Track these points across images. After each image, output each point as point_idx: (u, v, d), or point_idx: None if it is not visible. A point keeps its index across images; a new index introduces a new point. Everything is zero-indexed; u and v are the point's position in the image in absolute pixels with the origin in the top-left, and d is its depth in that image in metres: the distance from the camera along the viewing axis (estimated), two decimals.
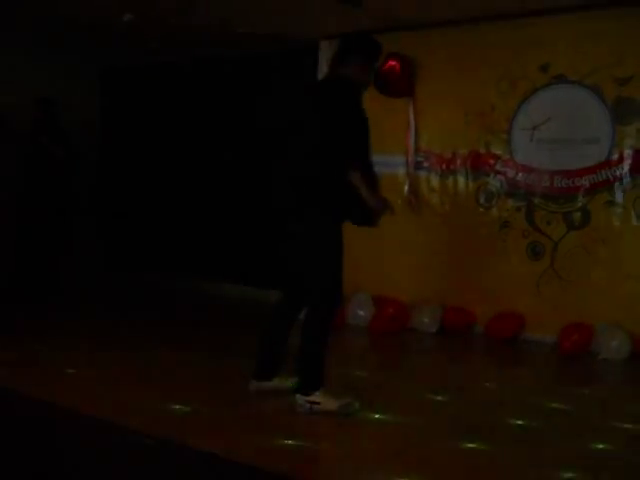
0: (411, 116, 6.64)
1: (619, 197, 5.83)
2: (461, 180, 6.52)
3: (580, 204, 5.98)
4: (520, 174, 6.26)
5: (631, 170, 5.77)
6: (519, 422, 3.79)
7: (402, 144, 6.71)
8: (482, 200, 6.42)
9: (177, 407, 3.70)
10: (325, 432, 3.60)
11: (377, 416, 3.75)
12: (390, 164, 6.70)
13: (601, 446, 3.46)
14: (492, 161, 6.37)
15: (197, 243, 8.46)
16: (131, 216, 9.10)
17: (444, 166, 6.56)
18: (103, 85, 9.35)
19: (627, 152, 5.80)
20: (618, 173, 5.84)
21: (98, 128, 9.31)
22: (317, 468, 3.14)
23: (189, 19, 6.76)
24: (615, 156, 5.84)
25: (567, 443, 3.49)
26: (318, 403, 3.65)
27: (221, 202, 8.26)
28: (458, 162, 6.51)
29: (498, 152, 6.35)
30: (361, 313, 6.31)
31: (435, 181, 6.62)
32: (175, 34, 7.39)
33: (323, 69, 7.28)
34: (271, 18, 6.63)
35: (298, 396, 3.70)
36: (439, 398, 4.18)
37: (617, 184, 5.84)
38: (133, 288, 8.22)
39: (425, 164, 6.69)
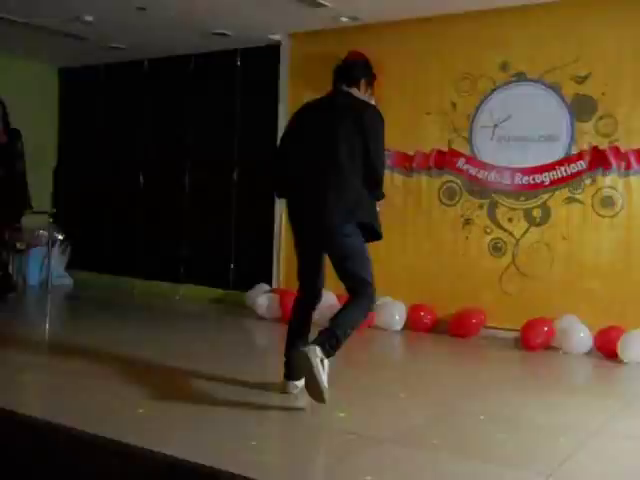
0: None
1: (578, 193, 5.91)
2: (424, 178, 6.56)
3: (541, 201, 6.06)
4: (482, 172, 6.31)
5: (590, 167, 5.86)
6: (481, 417, 3.82)
7: None
8: (445, 198, 6.46)
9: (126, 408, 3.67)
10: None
11: (340, 414, 3.76)
12: None
13: (563, 440, 3.51)
14: (454, 159, 6.42)
15: (156, 244, 8.40)
16: (90, 216, 8.99)
17: (407, 164, 6.60)
18: (62, 85, 9.25)
19: (586, 149, 5.88)
20: (577, 170, 5.92)
21: (57, 128, 9.21)
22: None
23: (148, 17, 6.71)
24: (574, 153, 5.93)
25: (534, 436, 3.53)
26: (324, 367, 3.66)
27: (181, 200, 8.21)
28: (421, 160, 6.55)
29: (460, 150, 6.40)
30: (324, 311, 6.28)
31: (398, 180, 6.65)
32: (134, 33, 7.32)
33: (285, 67, 7.29)
34: (232, 16, 6.59)
35: (318, 348, 3.66)
36: (402, 395, 4.19)
37: (576, 181, 5.92)
38: (89, 288, 8.14)
39: (388, 163, 6.70)
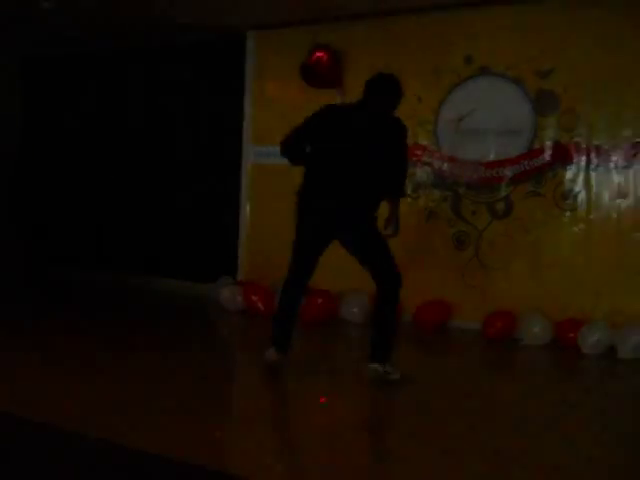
0: None
1: (541, 187, 5.99)
2: None
3: (503, 194, 6.12)
4: (446, 165, 6.36)
5: (552, 161, 5.94)
6: (442, 406, 3.86)
7: None
8: (409, 191, 6.49)
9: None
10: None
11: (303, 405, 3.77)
12: None
13: (523, 430, 3.56)
14: (419, 152, 6.45)
15: (120, 237, 8.32)
16: (53, 210, 8.87)
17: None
18: (24, 75, 9.09)
19: (548, 143, 5.96)
20: (539, 164, 5.99)
21: (19, 119, 9.07)
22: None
23: (113, 7, 6.62)
24: (536, 147, 6.00)
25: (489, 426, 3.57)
26: (389, 372, 4.22)
27: (146, 195, 8.14)
28: None
29: (425, 143, 6.44)
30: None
31: None
32: (97, 23, 7.21)
33: (250, 60, 7.25)
34: (196, 8, 6.53)
35: (376, 365, 4.22)
36: (362, 387, 4.21)
37: (538, 174, 5.99)
38: (54, 284, 8.03)
39: None
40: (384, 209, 4.53)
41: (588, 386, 4.66)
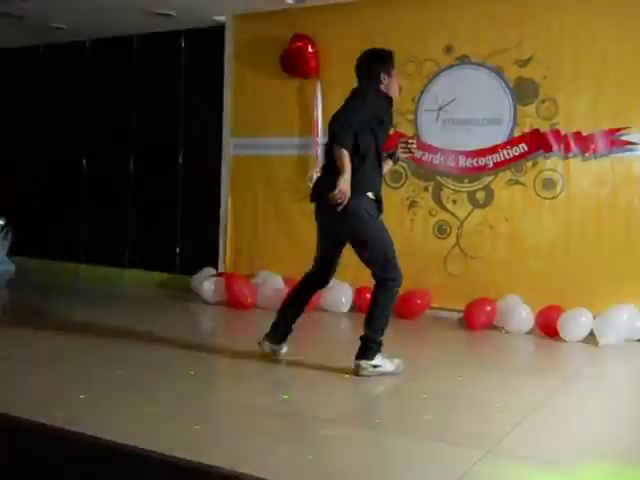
0: (318, 97, 6.65)
1: (520, 176, 6.01)
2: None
3: (484, 183, 6.14)
4: (427, 154, 6.36)
5: (531, 149, 5.95)
6: (424, 396, 3.87)
7: (310, 126, 6.71)
8: (390, 180, 6.49)
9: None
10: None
11: (285, 396, 3.77)
12: (298, 146, 6.72)
13: (502, 417, 3.58)
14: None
15: (100, 229, 8.28)
16: (32, 201, 8.80)
17: None
18: None
19: (527, 131, 5.97)
20: (519, 152, 6.01)
21: None
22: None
23: None
24: (516, 136, 6.01)
25: (468, 414, 3.59)
26: (380, 366, 4.15)
27: (127, 187, 8.10)
28: None
29: (405, 133, 6.43)
30: (270, 295, 6.28)
31: None
32: (74, 12, 7.13)
33: (229, 50, 7.21)
34: None
35: (363, 362, 4.11)
36: (347, 376, 4.22)
37: (518, 163, 6.01)
38: (32, 274, 8.00)
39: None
40: None
41: (567, 372, 4.68)
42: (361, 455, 3.01)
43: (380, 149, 4.29)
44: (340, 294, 6.30)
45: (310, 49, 6.51)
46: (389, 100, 4.36)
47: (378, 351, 4.19)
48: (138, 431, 3.08)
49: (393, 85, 4.39)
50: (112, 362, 4.33)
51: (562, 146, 5.84)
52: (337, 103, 6.50)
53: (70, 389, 3.70)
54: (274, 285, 6.42)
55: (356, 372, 4.15)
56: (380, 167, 4.33)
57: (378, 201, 4.30)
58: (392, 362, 4.24)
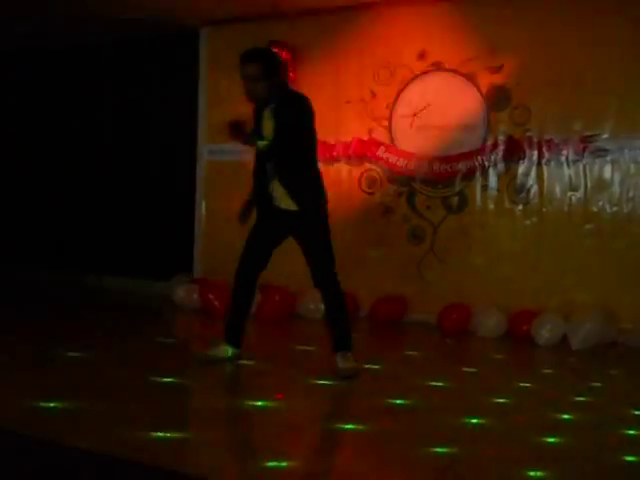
0: None
1: (494, 182, 6.05)
2: (344, 167, 6.59)
3: (458, 189, 6.17)
4: (401, 160, 6.39)
5: (504, 155, 6.00)
6: (398, 401, 3.87)
7: None
8: (365, 186, 6.52)
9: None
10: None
11: (259, 403, 3.76)
12: None
13: (475, 421, 3.59)
14: (374, 148, 6.47)
15: (74, 235, 8.20)
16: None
17: (327, 154, 6.59)
18: None
19: (501, 138, 6.02)
20: (493, 158, 6.05)
21: None
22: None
23: (63, 3, 6.50)
24: (490, 142, 6.06)
25: (441, 418, 3.60)
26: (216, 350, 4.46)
27: (101, 192, 8.04)
28: (341, 149, 6.57)
29: (380, 138, 6.45)
30: None
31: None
32: (47, 20, 7.07)
33: (204, 56, 7.20)
34: (149, 2, 6.45)
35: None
36: (322, 382, 4.21)
37: (492, 169, 6.05)
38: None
39: None
40: None
41: (538, 377, 4.71)
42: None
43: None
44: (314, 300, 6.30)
45: (284, 56, 6.51)
46: None
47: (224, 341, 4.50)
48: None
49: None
50: (88, 372, 4.29)
51: (535, 152, 5.90)
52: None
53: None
54: None
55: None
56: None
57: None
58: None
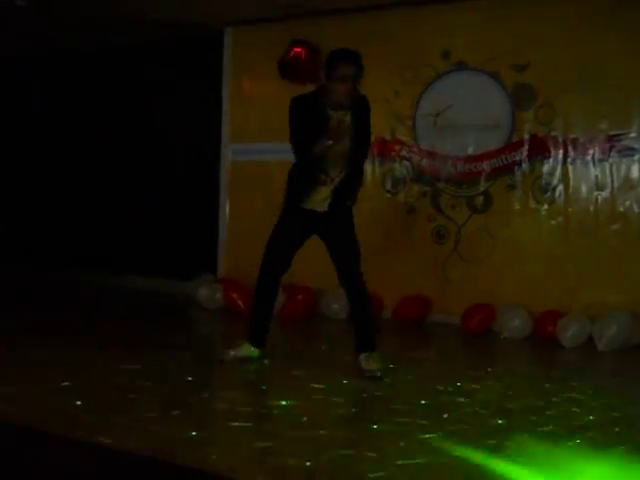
0: None
1: (519, 181, 6.01)
2: (368, 167, 6.56)
3: (482, 188, 6.14)
4: (425, 160, 6.37)
5: (530, 154, 5.96)
6: (422, 402, 3.86)
7: None
8: (389, 186, 6.50)
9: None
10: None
11: (282, 403, 3.77)
12: None
13: (500, 422, 3.57)
14: (398, 147, 6.46)
15: (100, 235, 8.27)
16: (26, 209, 8.82)
17: None
18: None
19: (526, 137, 5.98)
20: (518, 157, 6.01)
21: None
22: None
23: (85, 5, 6.55)
24: (514, 141, 6.01)
25: (471, 421, 3.58)
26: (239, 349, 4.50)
27: (127, 193, 8.10)
28: None
29: (403, 138, 6.44)
30: None
31: None
32: (68, 22, 7.13)
33: (228, 57, 7.22)
34: (173, 4, 6.49)
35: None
36: (345, 382, 4.21)
37: (517, 168, 6.01)
38: (22, 283, 7.96)
39: None
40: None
41: (563, 378, 4.67)
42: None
43: None
44: (338, 299, 6.30)
45: (308, 55, 6.51)
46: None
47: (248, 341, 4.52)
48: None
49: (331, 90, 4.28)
50: (115, 371, 4.33)
51: (560, 151, 5.85)
52: None
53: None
54: None
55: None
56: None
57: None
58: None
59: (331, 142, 4.19)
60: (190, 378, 4.16)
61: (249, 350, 4.51)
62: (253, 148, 7.06)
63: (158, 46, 7.78)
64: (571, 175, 5.84)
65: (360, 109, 4.32)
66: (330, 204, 4.29)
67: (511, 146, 6.02)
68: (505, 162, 6.05)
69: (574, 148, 5.81)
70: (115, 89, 8.18)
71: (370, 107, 4.37)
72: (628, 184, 5.64)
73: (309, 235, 4.43)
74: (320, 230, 4.36)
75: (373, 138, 6.39)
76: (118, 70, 8.15)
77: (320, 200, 4.30)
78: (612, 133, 5.67)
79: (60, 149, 8.58)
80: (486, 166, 6.11)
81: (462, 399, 3.95)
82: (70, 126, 8.49)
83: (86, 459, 2.94)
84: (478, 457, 3.03)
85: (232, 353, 4.51)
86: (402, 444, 3.17)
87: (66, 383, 3.93)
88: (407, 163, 6.43)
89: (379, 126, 6.46)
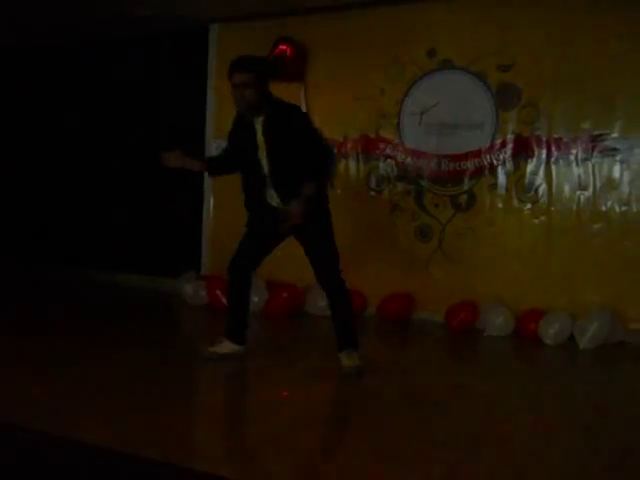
0: (302, 101, 6.64)
1: (502, 180, 6.04)
2: (352, 164, 6.59)
3: (466, 187, 6.16)
4: (409, 158, 6.38)
5: (513, 154, 5.99)
6: (403, 400, 3.88)
7: None
8: (373, 184, 6.52)
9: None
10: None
11: (263, 400, 3.77)
12: None
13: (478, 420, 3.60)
14: (382, 145, 6.47)
15: (82, 232, 8.23)
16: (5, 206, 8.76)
17: (335, 150, 6.60)
18: None
19: (509, 136, 6.00)
20: (501, 157, 6.04)
21: None
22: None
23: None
24: (498, 140, 6.04)
25: (447, 417, 3.60)
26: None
27: (109, 190, 8.06)
28: (349, 146, 6.57)
29: (388, 136, 6.45)
30: (254, 298, 6.26)
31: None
32: (52, 16, 7.07)
33: (213, 54, 7.20)
34: None
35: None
36: (327, 380, 4.22)
37: (500, 167, 6.04)
38: (6, 280, 7.91)
39: None
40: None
41: (544, 376, 4.71)
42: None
43: None
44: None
45: (293, 52, 6.51)
46: None
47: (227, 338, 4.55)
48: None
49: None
50: (98, 369, 4.31)
51: (544, 150, 5.88)
52: (320, 106, 6.62)
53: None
54: (256, 287, 6.39)
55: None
56: None
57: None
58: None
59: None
60: (172, 375, 4.15)
61: (230, 347, 4.51)
62: None
63: (143, 42, 7.73)
64: (554, 174, 5.88)
65: (276, 117, 4.32)
66: (281, 201, 4.33)
67: (495, 145, 6.05)
68: (489, 161, 6.08)
69: (557, 148, 5.85)
70: (100, 85, 8.12)
71: (300, 116, 4.43)
72: (610, 184, 5.69)
73: (280, 232, 4.41)
74: (292, 230, 4.34)
75: (358, 135, 6.51)
76: (103, 66, 8.08)
77: (270, 197, 4.41)
78: (595, 133, 5.71)
79: (43, 145, 8.51)
80: (470, 165, 6.14)
81: (441, 396, 3.98)
82: (54, 123, 8.42)
83: (68, 456, 2.93)
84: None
85: (213, 350, 4.51)
86: (385, 442, 3.19)
87: (47, 380, 3.92)
88: (391, 161, 6.44)
89: (364, 124, 6.51)
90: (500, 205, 6.04)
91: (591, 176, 5.75)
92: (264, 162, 4.35)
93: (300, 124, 4.34)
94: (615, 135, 5.65)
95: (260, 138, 4.35)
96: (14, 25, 7.54)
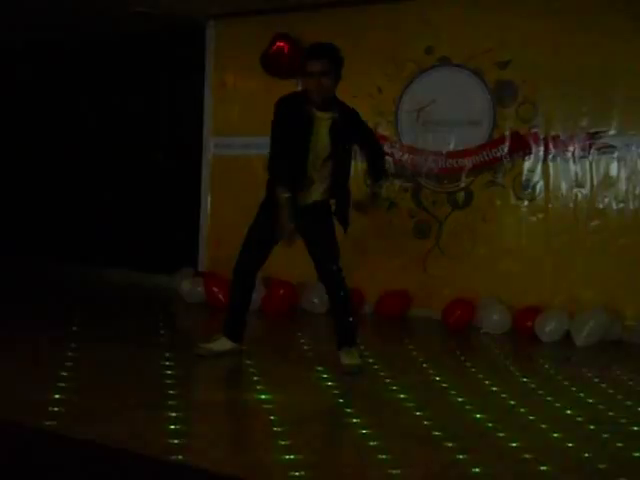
0: None
1: (500, 177, 6.04)
2: None
3: (463, 184, 6.17)
4: (406, 155, 6.38)
5: (510, 151, 5.99)
6: (401, 396, 3.88)
7: None
8: (370, 181, 6.49)
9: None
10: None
11: (261, 397, 3.77)
12: None
13: (478, 416, 3.59)
14: (380, 142, 6.44)
15: (82, 228, 8.23)
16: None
17: None
18: None
19: (507, 134, 6.01)
20: (499, 154, 6.04)
21: None
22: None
23: None
24: (496, 138, 6.04)
25: (444, 414, 3.60)
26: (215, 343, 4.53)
27: (109, 186, 8.05)
28: None
29: (385, 133, 6.44)
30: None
31: None
32: (49, 13, 7.06)
33: (210, 50, 7.20)
34: None
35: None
36: (325, 377, 4.22)
37: (498, 165, 6.04)
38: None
39: None
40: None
41: (541, 373, 4.71)
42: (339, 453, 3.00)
43: None
44: (317, 294, 6.31)
45: (290, 49, 6.50)
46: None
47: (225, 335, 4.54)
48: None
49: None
50: (96, 364, 4.31)
51: (541, 148, 5.89)
52: None
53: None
54: None
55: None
56: None
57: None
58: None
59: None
60: (169, 372, 4.14)
61: (227, 344, 4.51)
62: (235, 142, 7.04)
63: (140, 39, 7.72)
64: (551, 172, 5.89)
65: (345, 115, 4.37)
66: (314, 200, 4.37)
67: (492, 143, 6.05)
68: (486, 158, 6.08)
69: (555, 145, 5.86)
70: (97, 82, 8.12)
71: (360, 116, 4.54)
72: (607, 181, 5.69)
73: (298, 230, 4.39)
74: (298, 226, 4.34)
75: None
76: (100, 63, 8.08)
77: (312, 190, 4.36)
78: (592, 131, 5.72)
79: (40, 141, 8.51)
80: (467, 162, 6.14)
81: (439, 393, 3.98)
82: (50, 119, 8.43)
83: (67, 456, 2.93)
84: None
85: (209, 347, 4.51)
86: (383, 438, 3.19)
87: (44, 377, 3.92)
88: (389, 158, 6.42)
89: None
90: (497, 202, 6.05)
91: (588, 173, 5.76)
92: (313, 155, 4.26)
93: (366, 125, 4.62)
94: (612, 132, 5.66)
95: (322, 132, 4.26)
96: (14, 25, 7.53)
